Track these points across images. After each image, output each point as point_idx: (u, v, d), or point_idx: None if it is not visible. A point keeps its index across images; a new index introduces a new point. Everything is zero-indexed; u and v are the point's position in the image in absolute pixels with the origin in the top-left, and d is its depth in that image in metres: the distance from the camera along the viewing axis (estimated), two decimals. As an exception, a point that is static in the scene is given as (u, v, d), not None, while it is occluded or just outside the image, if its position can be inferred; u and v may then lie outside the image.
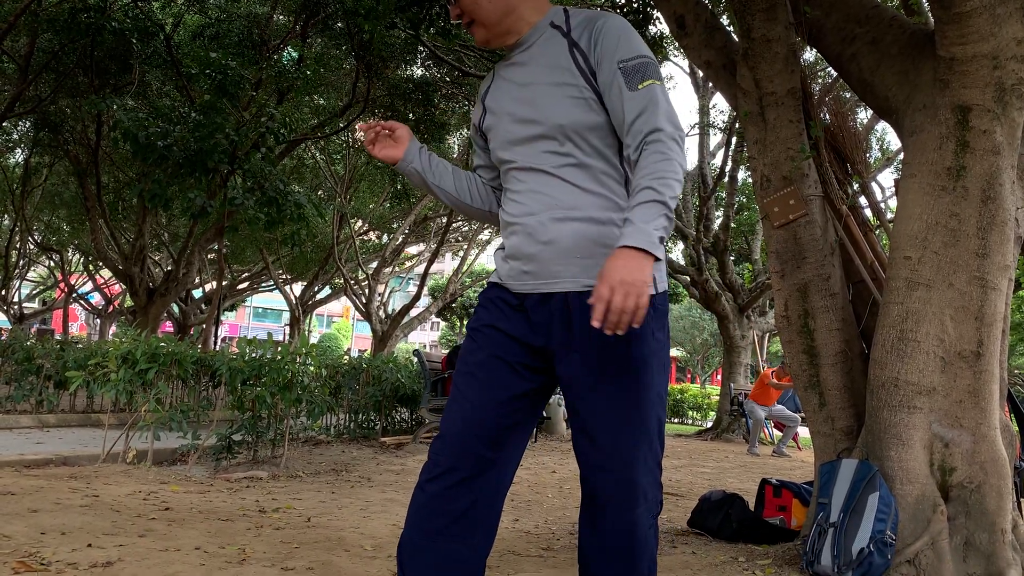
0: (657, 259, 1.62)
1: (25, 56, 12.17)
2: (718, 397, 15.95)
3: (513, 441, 1.83)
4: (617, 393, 1.75)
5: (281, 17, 13.92)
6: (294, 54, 14.03)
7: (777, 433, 12.48)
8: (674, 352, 42.90)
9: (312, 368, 6.66)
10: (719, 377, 18.40)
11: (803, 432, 12.33)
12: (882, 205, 4.33)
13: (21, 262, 26.24)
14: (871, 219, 4.26)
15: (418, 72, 14.61)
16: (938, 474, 3.28)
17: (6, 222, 23.88)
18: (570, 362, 1.78)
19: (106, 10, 11.10)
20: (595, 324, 1.57)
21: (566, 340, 1.78)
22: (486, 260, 35.96)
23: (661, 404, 1.81)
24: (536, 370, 1.85)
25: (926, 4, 3.64)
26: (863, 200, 4.18)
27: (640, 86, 1.74)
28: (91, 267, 26.52)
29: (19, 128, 16.44)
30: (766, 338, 18.10)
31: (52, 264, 29.03)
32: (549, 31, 1.88)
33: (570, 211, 1.78)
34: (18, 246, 24.20)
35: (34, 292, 36.95)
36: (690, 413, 20.00)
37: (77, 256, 28.05)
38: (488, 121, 1.94)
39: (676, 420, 19.75)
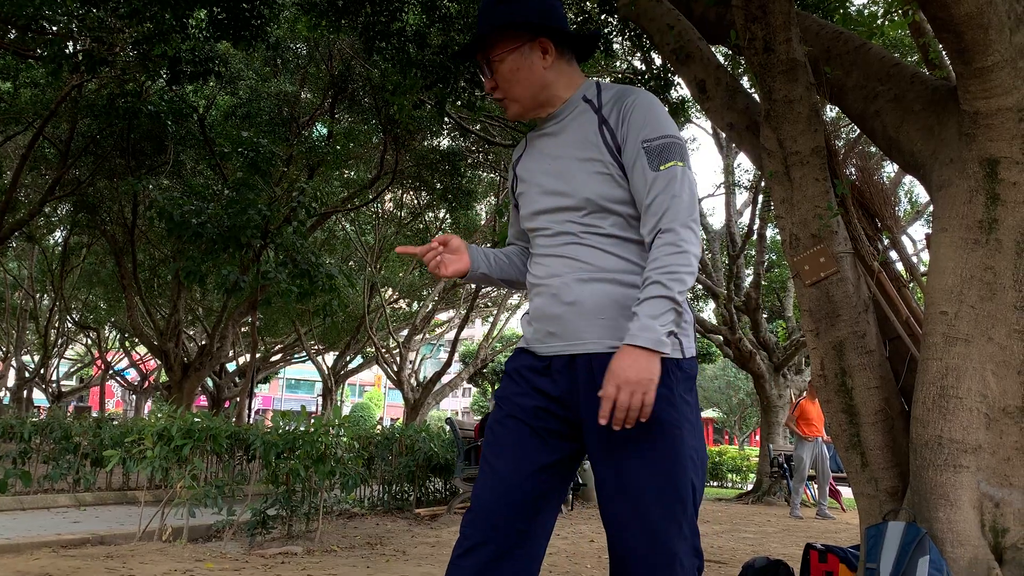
0: (663, 354, 1.68)
1: (65, 141, 12.61)
2: (757, 459, 15.62)
3: (545, 510, 1.83)
4: (650, 457, 1.73)
5: (309, 95, 14.32)
6: (323, 130, 14.40)
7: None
8: (710, 413, 42.23)
9: (345, 440, 6.65)
10: (757, 438, 18.05)
11: (846, 492, 12.01)
12: (914, 259, 4.28)
13: (59, 340, 26.70)
14: (904, 274, 4.21)
15: (445, 143, 14.87)
16: (990, 535, 3.17)
17: (45, 301, 24.39)
18: (599, 427, 1.75)
19: (142, 94, 11.50)
20: (601, 422, 1.65)
21: (593, 404, 1.76)
22: (516, 325, 35.95)
23: (695, 468, 1.78)
24: (564, 437, 1.85)
25: (947, 59, 3.66)
26: (894, 255, 4.14)
27: (662, 167, 1.78)
28: (127, 344, 26.92)
29: (59, 210, 16.92)
30: (803, 396, 17.77)
31: (89, 342, 29.51)
32: (582, 105, 1.92)
33: (594, 272, 1.81)
34: (56, 325, 24.65)
35: (72, 370, 37.49)
36: (729, 476, 19.60)
37: (113, 333, 28.51)
38: (520, 188, 2.01)
39: (715, 483, 19.35)
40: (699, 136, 74.38)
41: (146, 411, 29.18)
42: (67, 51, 8.25)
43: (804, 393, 11.34)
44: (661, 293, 1.69)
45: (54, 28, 8.66)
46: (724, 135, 11.53)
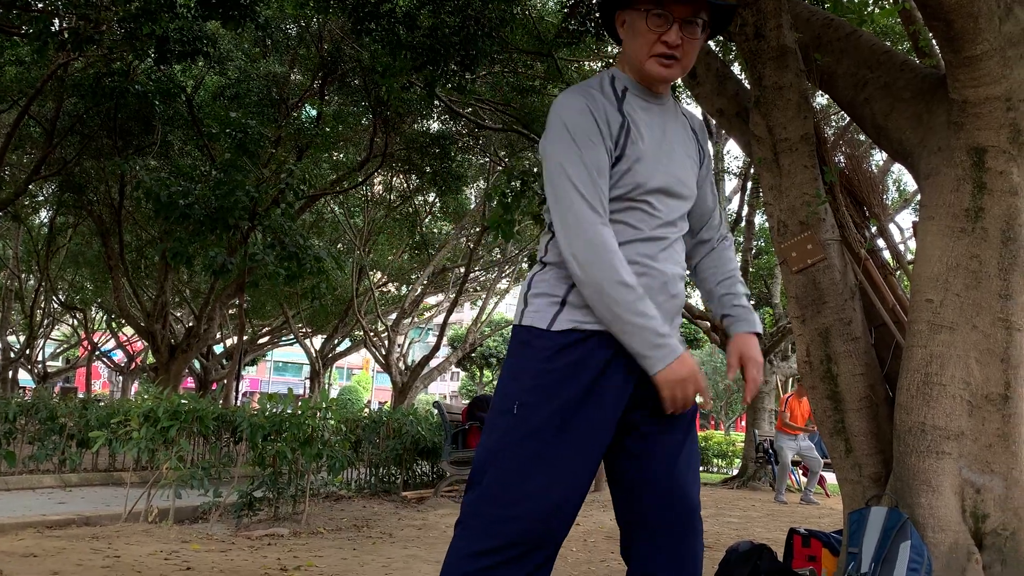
0: None
1: (51, 120, 12.49)
2: (743, 444, 15.72)
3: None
4: (694, 435, 1.95)
5: (299, 76, 14.22)
6: (312, 111, 14.30)
7: (804, 479, 12.25)
8: (696, 399, 42.39)
9: (332, 423, 6.65)
10: (743, 423, 18.17)
11: (831, 478, 12.11)
12: (901, 247, 4.30)
13: (45, 321, 26.54)
14: (890, 261, 4.23)
15: (435, 126, 14.80)
16: (971, 521, 3.21)
17: (31, 282, 24.23)
18: (661, 408, 1.85)
19: (129, 74, 11.40)
20: (747, 400, 1.89)
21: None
22: (504, 309, 35.92)
23: None
24: (614, 431, 1.86)
25: (937, 47, 3.67)
26: (881, 243, 4.16)
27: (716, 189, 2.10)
28: (114, 325, 26.78)
29: (44, 190, 16.78)
30: (790, 383, 17.88)
31: (75, 322, 29.34)
32: (671, 103, 1.97)
33: (684, 275, 1.94)
34: (42, 305, 24.50)
35: (58, 351, 37.30)
36: (715, 461, 19.71)
37: (100, 314, 28.35)
38: (634, 148, 1.80)
39: (701, 469, 19.43)
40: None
41: (133, 392, 29.08)
42: (53, 29, 8.15)
43: (793, 384, 11.38)
44: (746, 293, 2.00)
45: (40, 5, 8.55)
46: (713, 121, 11.51)
